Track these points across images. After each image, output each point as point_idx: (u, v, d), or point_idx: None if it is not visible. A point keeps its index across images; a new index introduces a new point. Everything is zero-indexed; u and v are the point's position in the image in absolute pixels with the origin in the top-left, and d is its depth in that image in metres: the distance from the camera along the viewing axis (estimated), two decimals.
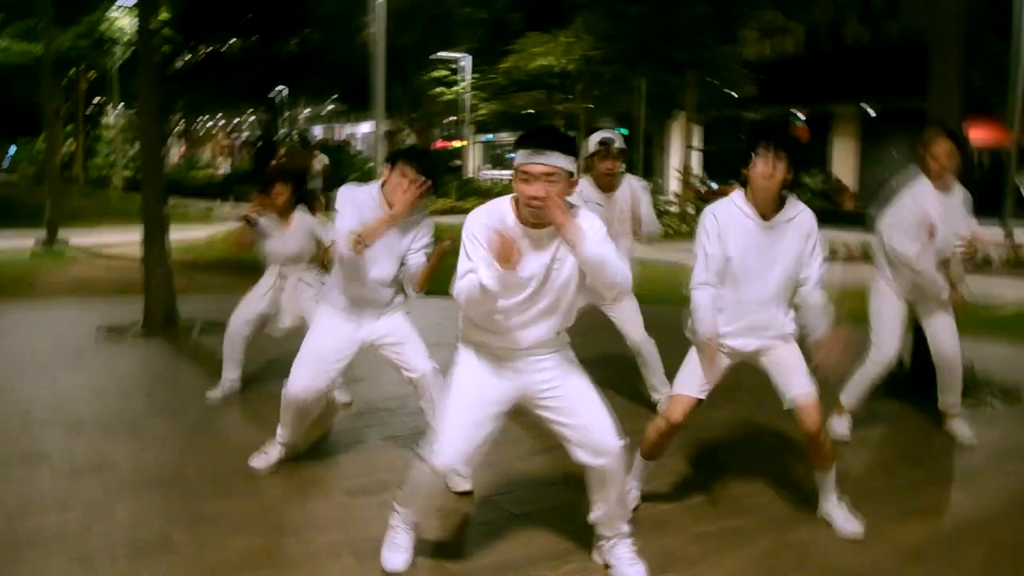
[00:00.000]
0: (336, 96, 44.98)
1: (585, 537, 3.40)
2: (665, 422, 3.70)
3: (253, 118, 49.83)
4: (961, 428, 5.02)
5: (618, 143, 5.10)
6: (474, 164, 43.58)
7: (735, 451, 4.83)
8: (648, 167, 31.32)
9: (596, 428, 3.10)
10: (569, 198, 2.97)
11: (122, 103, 36.72)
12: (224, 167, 43.83)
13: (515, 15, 29.65)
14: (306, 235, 5.31)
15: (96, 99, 38.24)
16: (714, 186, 31.68)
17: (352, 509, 3.90)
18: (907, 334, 5.18)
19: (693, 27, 21.84)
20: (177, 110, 42.30)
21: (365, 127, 43.89)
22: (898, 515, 3.92)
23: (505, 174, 34.74)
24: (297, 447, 4.41)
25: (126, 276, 11.03)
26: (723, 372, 3.70)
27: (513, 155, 3.00)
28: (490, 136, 44.16)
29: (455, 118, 39.67)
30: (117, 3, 27.24)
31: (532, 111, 31.05)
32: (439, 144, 43.67)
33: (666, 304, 6.87)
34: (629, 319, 5.20)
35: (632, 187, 5.20)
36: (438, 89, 35.83)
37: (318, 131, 50.98)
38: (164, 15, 23.79)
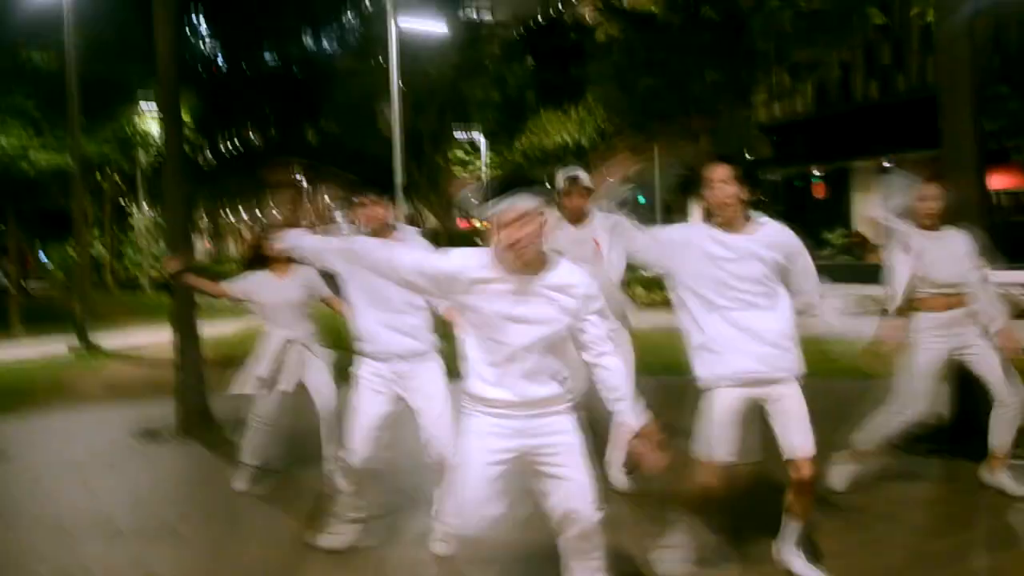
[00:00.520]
0: (356, 182, 45.81)
1: None
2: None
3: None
4: (1006, 479, 4.89)
5: (584, 180, 5.21)
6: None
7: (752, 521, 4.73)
8: None
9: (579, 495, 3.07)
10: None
11: (146, 206, 37.55)
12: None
13: (529, 94, 30.25)
14: (303, 286, 5.36)
15: (122, 201, 39.12)
16: None
17: None
18: (943, 386, 5.09)
19: (706, 94, 22.15)
20: (201, 206, 43.12)
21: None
22: None
23: None
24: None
25: (159, 376, 11.10)
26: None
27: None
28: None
29: (475, 200, 40.11)
30: (141, 106, 28.01)
31: (549, 185, 31.41)
32: (461, 224, 44.09)
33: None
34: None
35: (605, 223, 5.11)
36: (456, 169, 36.41)
37: (339, 216, 51.52)
38: (185, 117, 24.46)
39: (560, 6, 35.33)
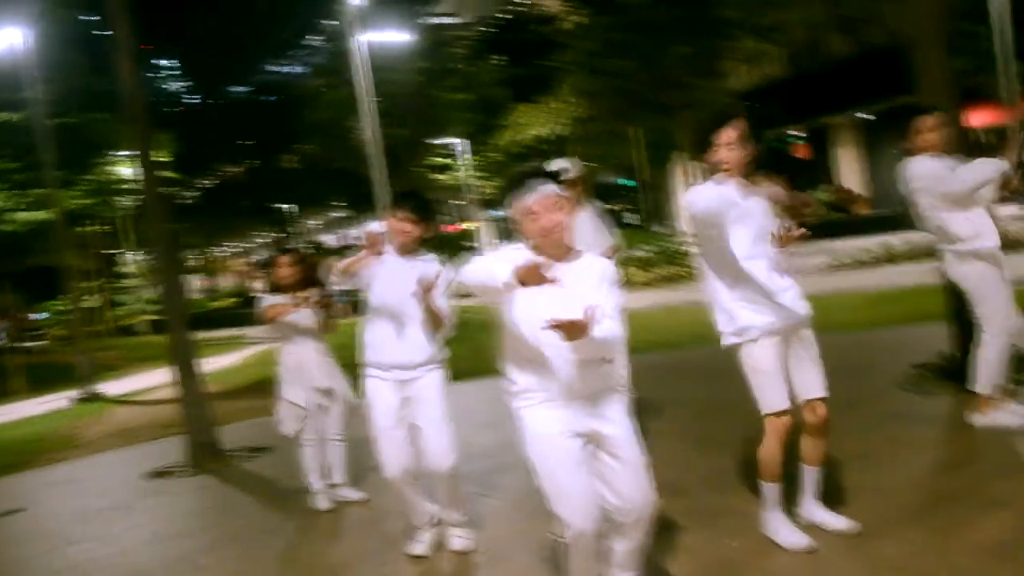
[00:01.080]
0: (341, 201, 45.80)
1: None
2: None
3: (265, 239, 50.72)
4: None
5: (572, 172, 5.24)
6: (484, 242, 43.95)
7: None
8: (657, 212, 31.45)
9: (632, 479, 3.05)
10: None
11: (133, 251, 37.56)
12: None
13: (501, 91, 30.23)
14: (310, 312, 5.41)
15: (111, 250, 39.13)
16: None
17: None
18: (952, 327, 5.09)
19: (676, 69, 22.15)
20: (192, 244, 43.14)
21: (375, 226, 44.55)
22: (970, 513, 3.80)
23: None
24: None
25: (164, 417, 11.09)
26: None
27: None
28: (500, 212, 44.62)
29: (461, 202, 40.12)
30: (113, 154, 27.99)
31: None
32: (449, 229, 44.12)
33: (689, 347, 6.82)
34: None
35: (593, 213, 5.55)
36: (436, 175, 36.40)
37: (329, 238, 51.69)
38: (165, 157, 24.47)
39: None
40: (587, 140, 26.38)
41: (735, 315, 3.71)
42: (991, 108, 21.73)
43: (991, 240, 4.76)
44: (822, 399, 3.75)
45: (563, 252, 3.04)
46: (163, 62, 31.43)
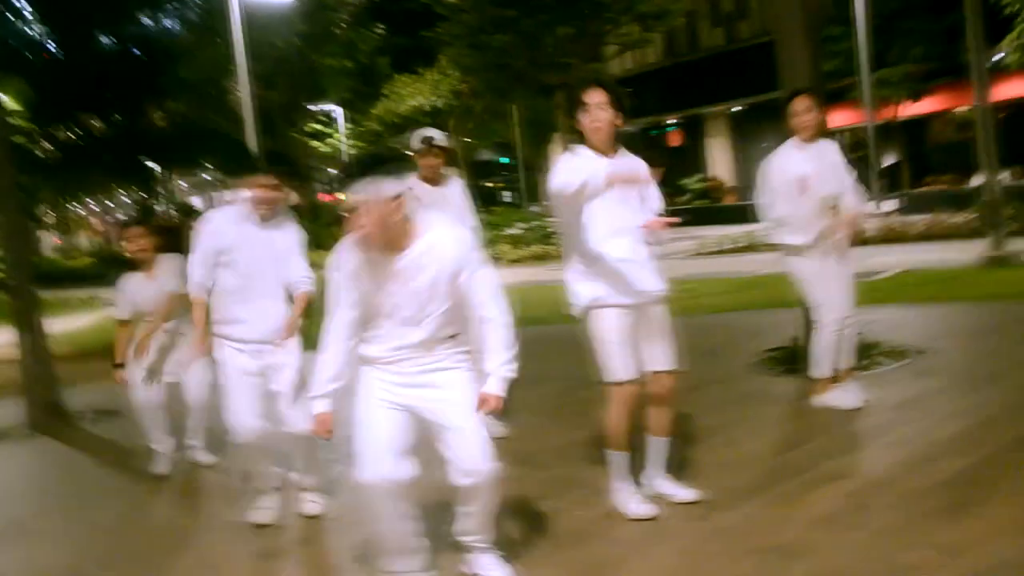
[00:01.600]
0: (211, 163, 44.24)
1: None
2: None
3: (128, 198, 48.53)
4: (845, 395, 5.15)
5: (438, 140, 5.31)
6: None
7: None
8: (533, 192, 31.69)
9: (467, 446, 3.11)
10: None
11: None
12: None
13: (381, 60, 29.76)
14: (164, 283, 5.16)
15: None
16: None
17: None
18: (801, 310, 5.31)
19: (558, 50, 22.31)
20: (45, 199, 40.75)
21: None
22: (807, 485, 3.99)
23: None
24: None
25: (4, 375, 10.48)
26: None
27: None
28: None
29: (336, 171, 39.42)
30: None
31: (410, 152, 31.15)
32: (324, 198, 43.29)
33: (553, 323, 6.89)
34: None
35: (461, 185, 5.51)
36: (313, 143, 35.60)
37: (198, 200, 49.92)
38: (16, 105, 22.99)
39: None
40: (465, 115, 26.31)
41: (584, 286, 3.78)
42: (848, 109, 22.83)
43: (810, 236, 4.97)
44: (669, 372, 3.86)
45: (397, 243, 3.01)
46: (19, 3, 29.43)
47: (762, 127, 27.86)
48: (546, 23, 21.21)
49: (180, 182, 52.33)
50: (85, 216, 56.18)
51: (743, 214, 21.67)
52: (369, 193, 2.93)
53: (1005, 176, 16.06)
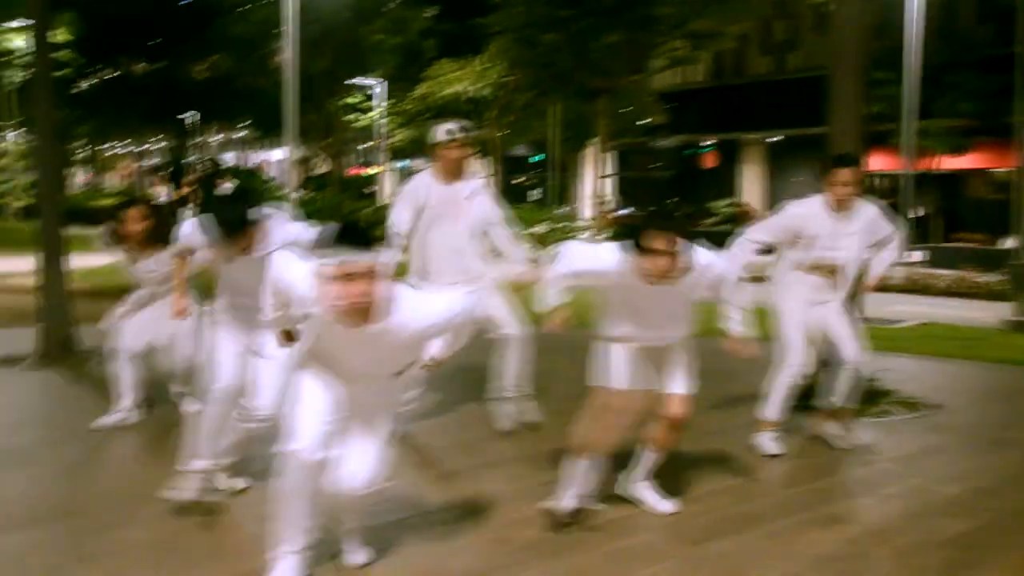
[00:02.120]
0: (248, 122, 44.32)
1: None
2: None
3: (162, 144, 48.74)
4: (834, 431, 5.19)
5: (463, 133, 5.18)
6: (389, 191, 43.43)
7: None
8: (563, 193, 31.67)
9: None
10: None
11: (18, 129, 35.41)
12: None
13: (429, 42, 29.75)
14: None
15: None
16: (625, 212, 32.18)
17: (259, 538, 3.74)
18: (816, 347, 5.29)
19: (605, 56, 22.28)
20: (81, 135, 40.99)
21: (278, 153, 43.35)
22: (808, 524, 3.97)
23: None
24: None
25: (19, 305, 10.55)
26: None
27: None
28: (406, 163, 44.01)
29: (369, 145, 39.49)
30: (12, 22, 26.33)
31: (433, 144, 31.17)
32: (353, 171, 43.33)
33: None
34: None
35: (477, 186, 5.35)
36: (352, 115, 35.63)
37: (230, 157, 50.13)
38: (65, 36, 23.12)
39: None
40: (505, 108, 26.27)
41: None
42: (888, 155, 22.68)
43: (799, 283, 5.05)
44: (684, 395, 3.93)
45: (360, 317, 2.94)
46: None
47: (797, 160, 27.75)
48: (596, 27, 21.19)
49: (213, 137, 52.53)
50: (116, 157, 56.47)
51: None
52: (359, 263, 2.84)
53: None
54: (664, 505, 4.00)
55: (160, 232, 5.15)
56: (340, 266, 2.82)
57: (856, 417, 5.34)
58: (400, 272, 4.15)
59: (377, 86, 34.21)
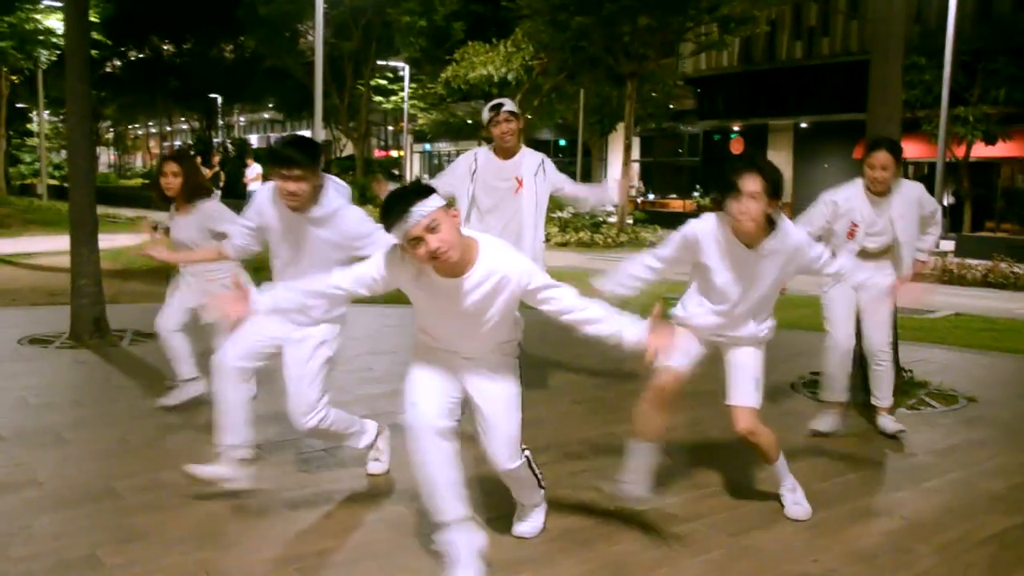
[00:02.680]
0: (273, 104, 44.38)
1: None
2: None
3: (187, 125, 48.95)
4: (887, 423, 5.15)
5: (508, 107, 5.29)
6: (412, 174, 43.43)
7: (688, 456, 4.77)
8: (587, 177, 31.52)
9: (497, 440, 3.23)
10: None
11: (47, 110, 35.62)
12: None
13: (456, 24, 29.63)
14: (201, 224, 5.10)
15: (20, 104, 37.10)
16: (651, 197, 32.00)
17: (294, 523, 3.74)
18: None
19: (635, 39, 22.08)
20: (107, 116, 41.24)
21: (303, 135, 43.44)
22: (847, 518, 3.92)
23: None
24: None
25: (52, 284, 10.64)
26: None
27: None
28: (428, 147, 43.95)
29: (394, 128, 39.45)
30: (42, 3, 26.44)
31: (470, 121, 31.01)
32: (377, 154, 43.34)
33: None
34: None
35: (533, 161, 5.39)
36: (377, 98, 35.60)
37: (255, 139, 50.30)
38: (94, 17, 23.16)
39: None
40: (533, 91, 26.13)
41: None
42: (921, 142, 22.40)
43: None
44: (744, 407, 3.88)
45: (452, 270, 2.96)
46: None
47: (825, 146, 27.48)
48: (628, 10, 20.99)
49: (239, 118, 52.68)
50: (142, 138, 56.87)
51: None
52: (429, 211, 2.84)
53: None
54: (795, 510, 3.90)
55: (192, 187, 5.13)
56: (409, 232, 2.84)
57: (893, 409, 5.27)
58: None
59: (403, 69, 34.15)
